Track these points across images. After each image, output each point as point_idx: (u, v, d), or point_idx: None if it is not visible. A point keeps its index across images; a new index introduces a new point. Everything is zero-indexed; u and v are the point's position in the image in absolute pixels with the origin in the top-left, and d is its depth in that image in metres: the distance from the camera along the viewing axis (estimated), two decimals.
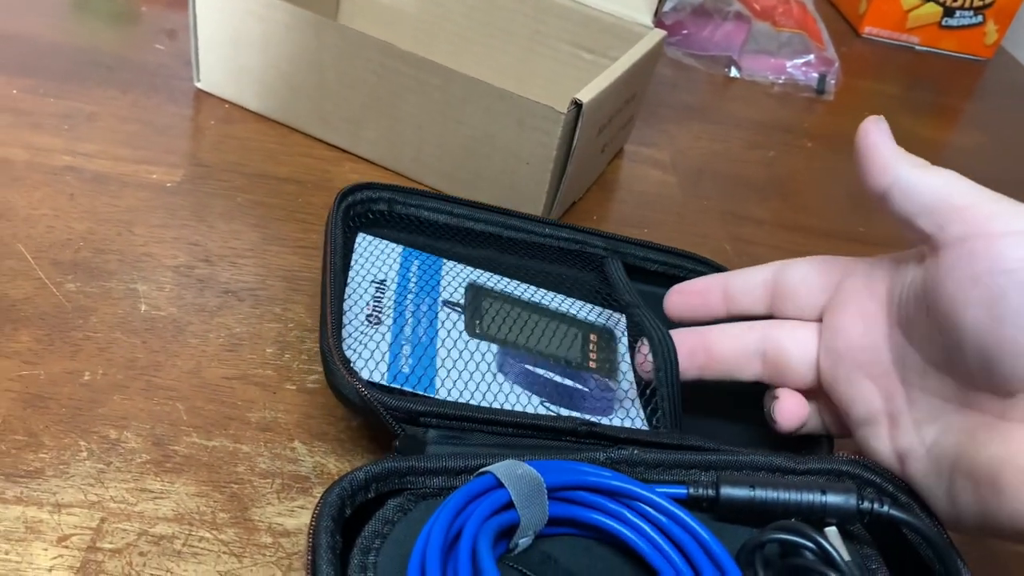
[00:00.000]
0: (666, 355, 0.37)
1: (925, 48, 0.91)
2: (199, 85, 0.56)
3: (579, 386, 0.38)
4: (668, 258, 0.45)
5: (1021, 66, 0.95)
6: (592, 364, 0.40)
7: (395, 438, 0.32)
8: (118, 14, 0.64)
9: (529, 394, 0.37)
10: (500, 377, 0.36)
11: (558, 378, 0.38)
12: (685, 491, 0.31)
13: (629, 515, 0.29)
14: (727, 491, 0.31)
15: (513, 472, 0.28)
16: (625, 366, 0.40)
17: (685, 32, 0.73)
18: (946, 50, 0.91)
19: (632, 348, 0.41)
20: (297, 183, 0.51)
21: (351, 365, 0.33)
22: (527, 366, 0.38)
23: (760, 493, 0.31)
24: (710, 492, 0.31)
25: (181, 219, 0.46)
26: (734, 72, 0.75)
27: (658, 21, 0.58)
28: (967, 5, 0.87)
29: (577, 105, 0.46)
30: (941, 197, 0.29)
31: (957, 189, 0.29)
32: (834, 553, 0.28)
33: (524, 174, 0.49)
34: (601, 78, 0.49)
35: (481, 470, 0.29)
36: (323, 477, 0.35)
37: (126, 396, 0.36)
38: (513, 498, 0.28)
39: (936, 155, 0.76)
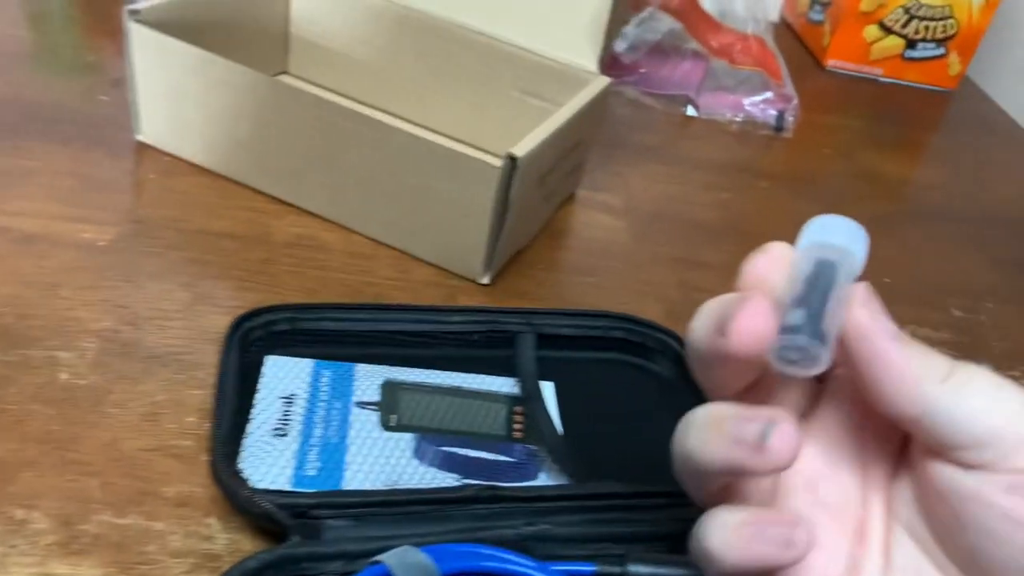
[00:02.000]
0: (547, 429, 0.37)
1: (889, 80, 0.91)
2: (140, 138, 0.56)
3: (502, 457, 0.38)
4: (582, 321, 0.46)
5: (986, 97, 0.95)
6: (517, 434, 0.40)
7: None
8: (68, 65, 0.64)
9: (447, 474, 0.36)
10: (415, 463, 0.37)
11: (479, 454, 0.38)
12: (592, 569, 0.31)
13: None
14: (635, 569, 0.31)
15: (404, 560, 0.28)
16: (554, 429, 0.40)
17: (643, 71, 0.73)
18: (910, 81, 0.91)
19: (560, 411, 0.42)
20: (235, 239, 0.50)
21: (241, 475, 0.33)
22: (444, 448, 0.38)
23: (664, 571, 0.31)
24: (617, 569, 0.31)
25: (110, 280, 0.45)
26: (692, 111, 0.75)
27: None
28: (929, 37, 0.87)
29: (512, 158, 0.46)
30: (996, 427, 0.22)
31: (1011, 411, 0.22)
32: None
33: (464, 225, 0.49)
34: (540, 129, 0.49)
35: (373, 559, 0.28)
36: (236, 555, 0.34)
37: (38, 473, 0.35)
38: None
39: (901, 190, 0.75)
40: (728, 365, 0.24)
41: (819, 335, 0.22)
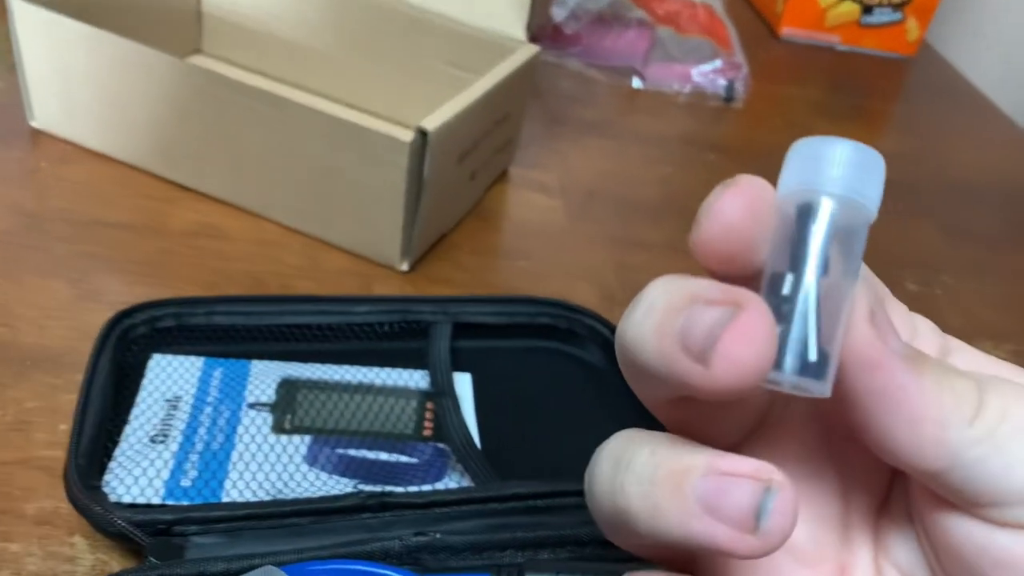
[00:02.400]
0: (456, 426, 0.34)
1: (846, 48, 0.88)
2: (34, 124, 0.52)
3: (407, 459, 0.35)
4: (504, 308, 0.42)
5: (946, 63, 0.92)
6: (427, 432, 0.36)
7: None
8: None
9: (343, 480, 0.33)
10: (307, 469, 0.33)
11: (381, 456, 0.35)
12: None
13: None
14: None
15: None
16: (467, 426, 0.37)
17: (585, 42, 0.70)
18: (868, 48, 0.88)
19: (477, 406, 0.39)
20: (130, 229, 0.46)
21: (98, 489, 0.30)
22: (342, 452, 0.35)
23: None
24: None
25: None
26: (638, 83, 0.71)
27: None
28: (885, 2, 0.84)
29: (422, 133, 0.43)
30: None
31: None
32: None
33: (377, 208, 0.45)
34: (455, 101, 0.45)
35: None
36: None
37: None
38: None
39: None
40: (697, 396, 0.16)
41: (819, 356, 0.16)
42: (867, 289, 0.16)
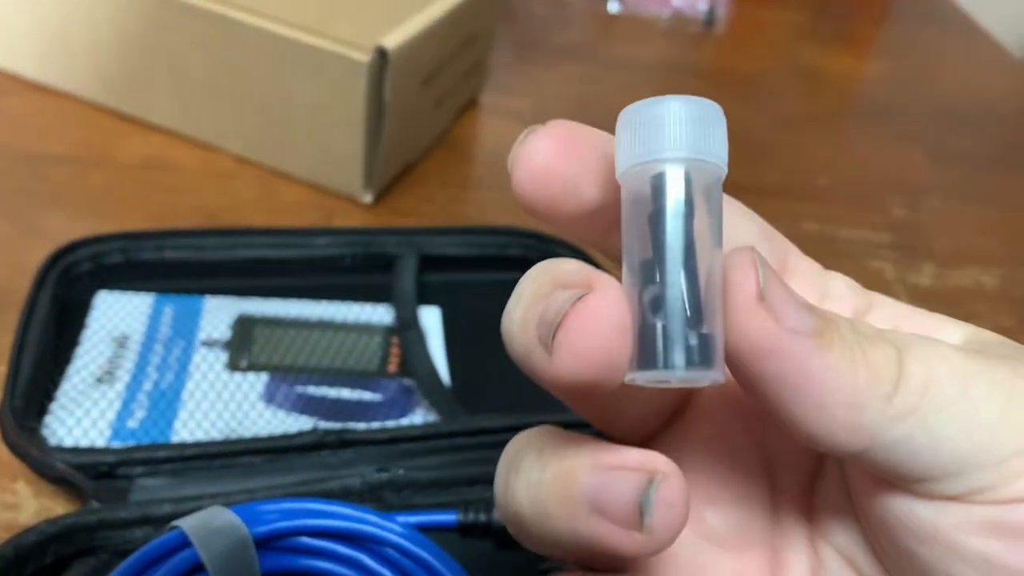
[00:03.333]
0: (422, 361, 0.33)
1: None
2: None
3: (369, 395, 0.33)
4: (474, 239, 0.40)
5: None
6: (392, 368, 0.35)
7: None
8: None
9: (302, 418, 0.31)
10: (264, 407, 0.31)
11: (343, 393, 0.33)
12: (454, 518, 0.26)
13: (368, 561, 0.24)
14: None
15: (207, 526, 0.23)
16: (433, 360, 0.35)
17: None
18: None
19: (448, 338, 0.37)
20: (73, 163, 0.44)
21: (36, 431, 0.28)
22: (301, 389, 0.33)
23: None
24: (482, 517, 0.26)
25: None
26: (615, 7, 0.68)
27: None
28: None
29: (382, 53, 0.40)
30: (971, 451, 0.15)
31: (989, 423, 0.15)
32: None
33: (335, 136, 0.42)
34: (417, 18, 0.42)
35: (170, 525, 0.23)
36: None
37: None
38: (203, 558, 0.22)
39: (841, 88, 0.70)
40: (548, 390, 0.15)
41: (700, 343, 0.14)
42: (752, 258, 0.15)
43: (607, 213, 0.16)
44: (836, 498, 0.17)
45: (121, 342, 0.34)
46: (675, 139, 0.14)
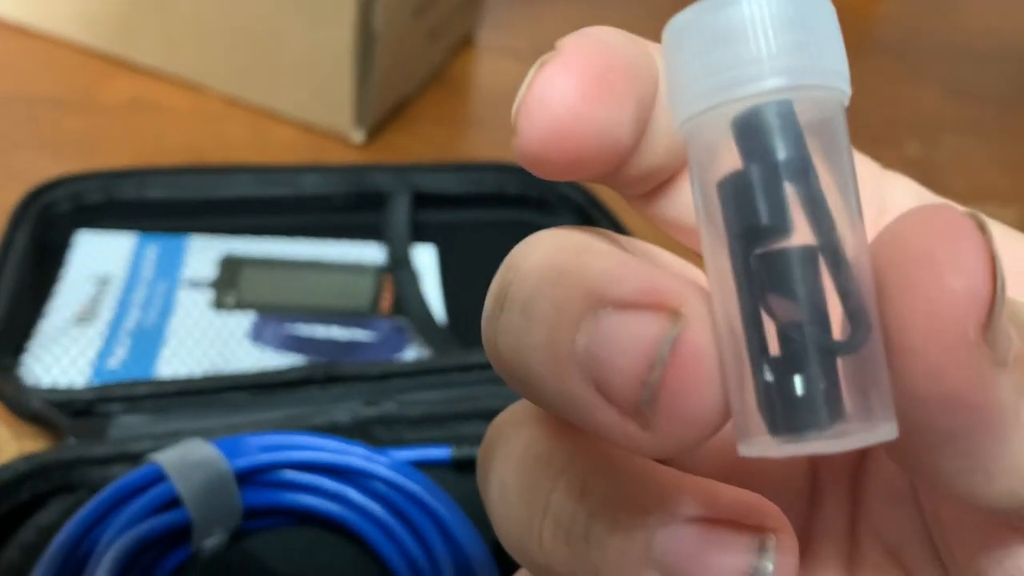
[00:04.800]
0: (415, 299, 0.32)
1: None
2: None
3: (361, 334, 0.32)
4: (470, 175, 0.38)
5: None
6: (385, 307, 0.33)
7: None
8: None
9: (291, 356, 0.30)
10: (250, 345, 0.30)
11: (334, 332, 0.32)
12: (448, 453, 0.25)
13: (356, 496, 0.23)
14: None
15: (185, 460, 0.22)
16: (427, 299, 0.34)
17: None
18: None
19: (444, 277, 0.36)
20: (55, 104, 0.42)
21: (11, 370, 0.27)
22: (290, 328, 0.31)
23: None
24: (478, 451, 0.25)
25: None
26: None
27: None
28: None
29: None
30: None
31: None
32: None
33: (323, 71, 0.41)
34: None
35: (146, 458, 0.22)
36: None
37: None
38: (181, 492, 0.21)
39: (856, 25, 0.67)
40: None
41: (832, 394, 0.09)
42: (982, 242, 0.09)
43: (660, 168, 0.11)
44: (899, 488, 0.13)
45: (102, 282, 0.32)
46: (768, 56, 0.09)
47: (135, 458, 0.24)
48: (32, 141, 0.40)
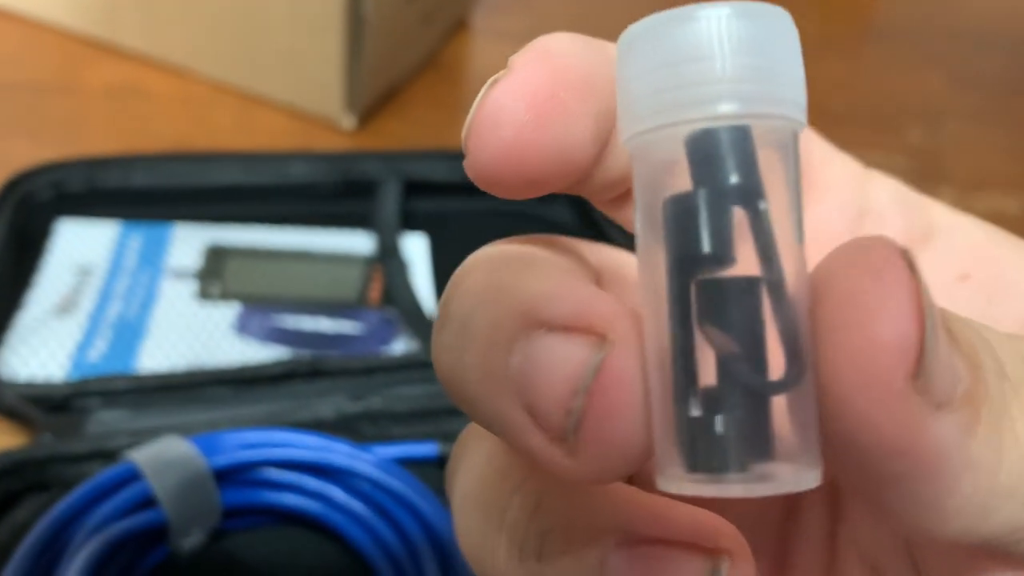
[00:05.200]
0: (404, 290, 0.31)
1: None
2: None
3: (348, 326, 0.31)
4: (460, 164, 0.37)
5: None
6: (373, 297, 0.33)
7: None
8: None
9: (277, 349, 0.30)
10: (235, 338, 0.29)
11: (321, 323, 0.31)
12: (435, 449, 0.24)
13: (338, 494, 0.22)
14: None
15: (161, 458, 0.21)
16: (418, 289, 0.33)
17: None
18: None
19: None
20: (36, 89, 0.41)
21: None
22: (277, 320, 0.31)
23: None
24: None
25: None
26: None
27: None
28: None
29: None
30: None
31: None
32: None
33: (312, 54, 0.40)
34: None
35: (123, 455, 0.21)
36: None
37: None
38: (156, 491, 0.21)
39: (857, 8, 0.66)
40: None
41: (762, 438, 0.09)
42: (911, 284, 0.08)
43: (625, 177, 0.11)
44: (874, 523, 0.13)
45: (84, 272, 0.32)
46: (728, 78, 0.09)
47: (111, 455, 0.23)
48: (13, 127, 0.39)
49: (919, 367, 0.08)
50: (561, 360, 0.09)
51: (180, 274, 0.32)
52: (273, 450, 0.22)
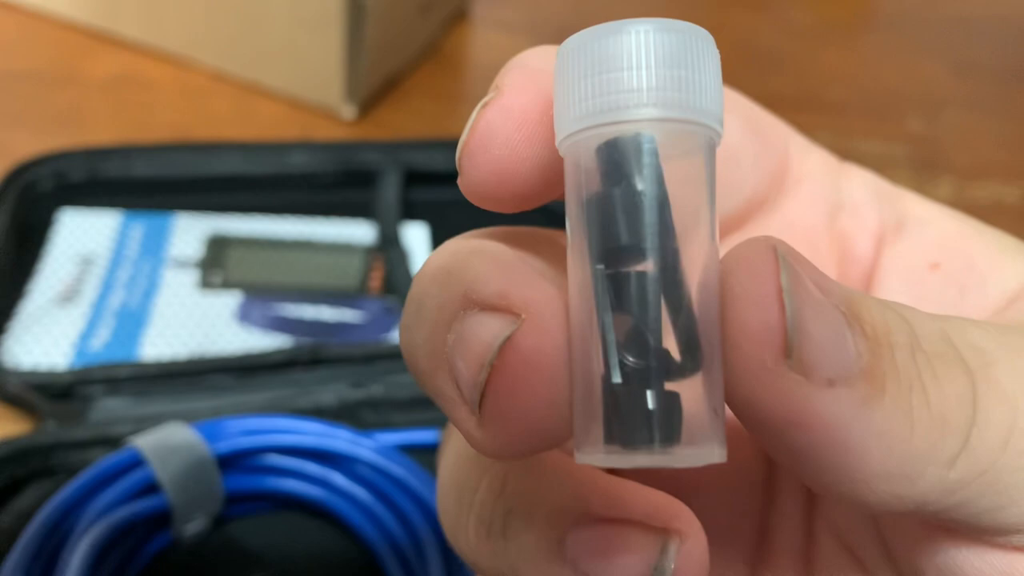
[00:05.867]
0: (405, 278, 0.32)
1: None
2: None
3: (349, 314, 0.31)
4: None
5: None
6: (374, 286, 0.33)
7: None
8: None
9: (278, 337, 0.30)
10: (237, 326, 0.30)
11: (322, 312, 0.31)
12: (435, 435, 0.25)
13: (340, 480, 0.22)
14: None
15: (164, 444, 0.21)
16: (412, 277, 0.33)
17: None
18: None
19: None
20: (38, 80, 0.41)
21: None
22: (278, 308, 0.31)
23: None
24: None
25: None
26: None
27: None
28: None
29: None
30: None
31: None
32: None
33: (312, 44, 0.40)
34: None
35: (126, 441, 0.22)
36: None
37: None
38: (159, 477, 0.21)
39: None
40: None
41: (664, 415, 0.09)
42: (773, 278, 0.09)
43: None
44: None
45: (86, 261, 0.32)
46: (644, 87, 0.09)
47: (115, 442, 0.23)
48: (14, 117, 0.39)
49: (787, 348, 0.09)
50: (476, 335, 0.09)
51: (182, 263, 0.32)
52: (275, 436, 0.22)
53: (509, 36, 0.51)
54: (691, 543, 0.10)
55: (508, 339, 0.09)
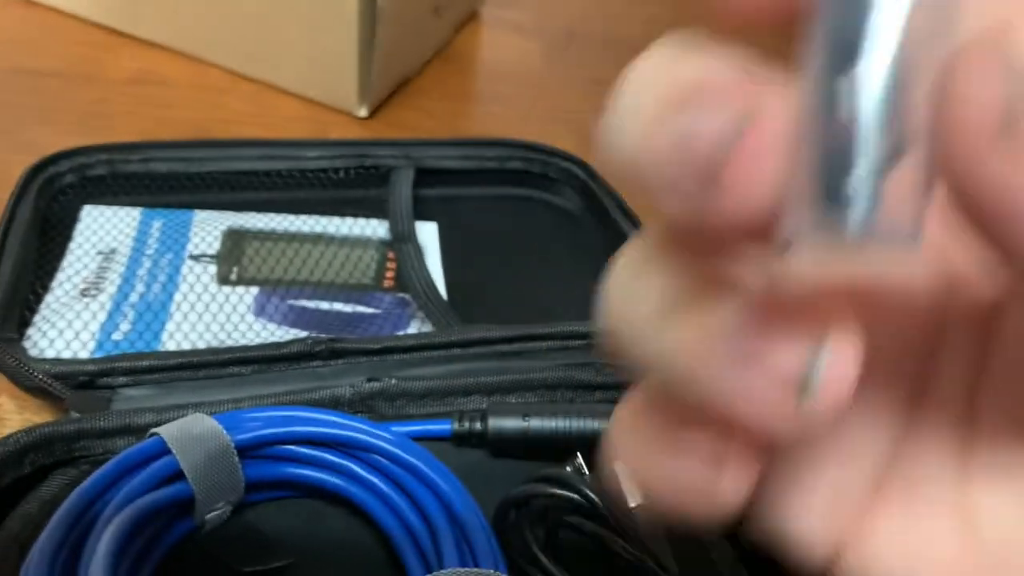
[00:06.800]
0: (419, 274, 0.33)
1: None
2: None
3: (364, 309, 0.32)
4: (472, 151, 0.38)
5: None
6: (388, 282, 0.33)
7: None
8: None
9: (293, 331, 0.30)
10: (253, 320, 0.30)
11: (336, 306, 0.32)
12: (449, 426, 0.25)
13: (357, 469, 0.23)
14: (496, 423, 0.25)
15: (187, 433, 0.22)
16: (433, 274, 0.34)
17: None
18: None
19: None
20: (61, 77, 0.42)
21: (15, 342, 0.27)
22: (293, 302, 0.32)
23: (535, 424, 0.25)
24: (477, 426, 0.25)
25: None
26: None
27: None
28: None
29: None
30: None
31: None
32: (602, 506, 0.22)
33: (328, 45, 0.40)
34: None
35: (150, 432, 0.22)
36: None
37: None
38: (183, 465, 0.22)
39: None
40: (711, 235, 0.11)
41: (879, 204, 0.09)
42: (996, 57, 0.09)
43: None
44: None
45: (107, 255, 0.33)
46: None
47: (137, 431, 0.24)
48: (37, 114, 0.40)
49: (1002, 120, 0.09)
50: (709, 126, 0.10)
51: (200, 258, 0.33)
52: (294, 427, 0.23)
53: (519, 37, 0.52)
54: (846, 347, 0.10)
55: (751, 122, 0.09)
